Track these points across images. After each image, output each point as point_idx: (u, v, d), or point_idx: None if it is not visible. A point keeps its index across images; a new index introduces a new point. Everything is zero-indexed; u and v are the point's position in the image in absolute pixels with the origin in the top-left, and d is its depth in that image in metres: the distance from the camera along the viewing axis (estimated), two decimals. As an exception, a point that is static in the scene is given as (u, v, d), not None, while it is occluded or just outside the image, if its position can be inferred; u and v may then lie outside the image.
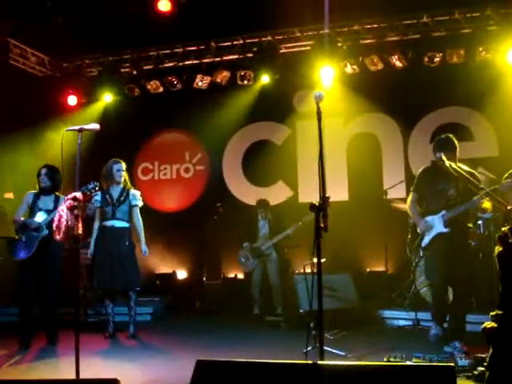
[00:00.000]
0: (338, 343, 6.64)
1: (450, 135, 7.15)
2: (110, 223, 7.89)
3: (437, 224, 6.89)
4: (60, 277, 7.52)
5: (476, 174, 6.96)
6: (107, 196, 7.95)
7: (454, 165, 6.60)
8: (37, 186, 7.56)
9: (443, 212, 6.85)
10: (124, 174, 8.04)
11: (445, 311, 7.01)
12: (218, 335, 8.25)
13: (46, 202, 7.48)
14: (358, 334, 7.71)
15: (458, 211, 6.76)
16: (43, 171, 7.52)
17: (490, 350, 3.73)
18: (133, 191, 8.10)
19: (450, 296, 7.46)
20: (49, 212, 7.34)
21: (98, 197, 7.91)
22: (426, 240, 7.01)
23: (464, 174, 6.58)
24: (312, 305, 6.97)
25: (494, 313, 3.80)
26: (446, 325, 6.99)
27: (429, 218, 6.96)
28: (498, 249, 3.81)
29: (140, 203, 8.08)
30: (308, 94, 10.84)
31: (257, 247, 9.85)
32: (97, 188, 6.87)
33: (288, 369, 3.45)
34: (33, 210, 7.44)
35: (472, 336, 7.28)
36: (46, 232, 7.25)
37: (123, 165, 8.05)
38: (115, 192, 7.99)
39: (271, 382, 3.43)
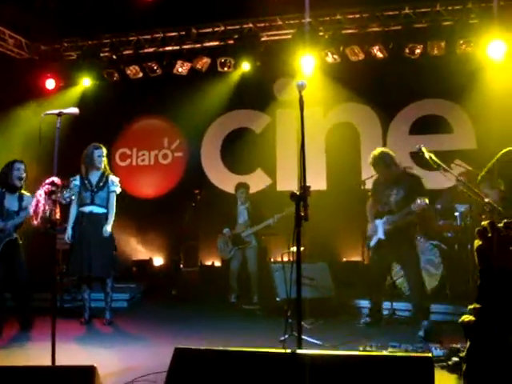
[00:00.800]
0: (315, 332, 6.67)
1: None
2: (88, 209, 7.83)
3: (379, 229, 7.30)
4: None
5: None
6: (86, 181, 7.88)
7: (433, 156, 6.65)
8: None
9: (385, 218, 7.28)
10: (104, 159, 7.98)
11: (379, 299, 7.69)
12: (194, 323, 8.25)
13: (12, 201, 7.36)
14: (335, 324, 7.76)
15: (396, 218, 7.15)
16: (21, 166, 7.36)
17: (468, 343, 3.76)
18: (112, 177, 8.04)
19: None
20: (15, 213, 7.26)
21: (76, 181, 7.85)
22: (372, 242, 7.48)
23: (443, 165, 6.65)
24: (289, 293, 7.05)
25: (471, 306, 3.82)
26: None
27: (376, 222, 7.38)
28: (477, 243, 3.83)
29: (118, 190, 8.03)
30: (288, 82, 10.81)
31: (237, 234, 9.81)
32: (72, 197, 6.90)
33: (266, 357, 3.46)
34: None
35: (446, 326, 7.42)
36: (13, 236, 7.21)
37: (104, 150, 7.99)
38: (94, 177, 7.93)
39: (250, 370, 3.43)
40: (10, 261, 7.24)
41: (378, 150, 7.50)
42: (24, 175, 7.34)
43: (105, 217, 7.88)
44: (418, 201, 6.76)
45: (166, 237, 11.74)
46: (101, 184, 7.91)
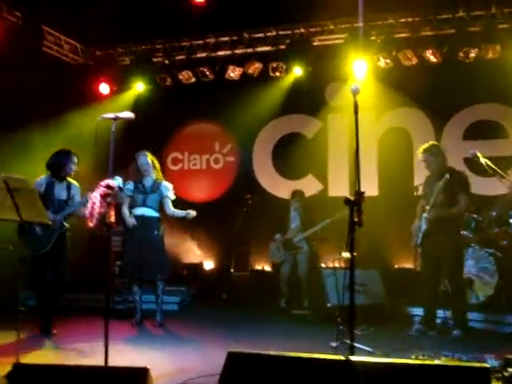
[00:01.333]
0: (366, 339, 6.58)
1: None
2: (139, 211, 7.93)
3: (422, 222, 7.34)
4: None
5: None
6: (139, 185, 7.99)
7: (489, 162, 6.55)
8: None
9: (427, 212, 7.29)
10: (154, 164, 8.05)
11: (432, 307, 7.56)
12: (244, 327, 8.26)
13: (61, 190, 7.45)
14: (386, 331, 7.67)
15: (435, 211, 7.20)
16: (76, 159, 7.51)
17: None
18: (165, 183, 8.12)
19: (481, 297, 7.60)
20: (65, 202, 7.36)
21: (129, 185, 7.96)
22: (419, 240, 7.45)
23: (499, 171, 6.55)
24: (341, 299, 7.00)
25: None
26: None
27: (422, 217, 7.41)
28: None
29: (172, 195, 8.10)
30: (340, 87, 10.76)
31: (289, 239, 9.79)
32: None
33: (320, 363, 3.44)
34: (49, 197, 7.33)
35: (499, 336, 7.29)
36: (64, 228, 7.32)
37: (150, 156, 8.06)
38: (148, 182, 8.05)
39: (303, 376, 3.42)
40: (56, 257, 7.31)
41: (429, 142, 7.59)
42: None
43: (156, 220, 7.96)
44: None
45: (217, 241, 11.78)
46: (154, 188, 8.00)
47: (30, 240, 6.99)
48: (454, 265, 7.27)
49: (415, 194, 8.99)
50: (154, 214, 7.97)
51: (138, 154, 8.07)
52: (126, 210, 7.99)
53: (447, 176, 7.03)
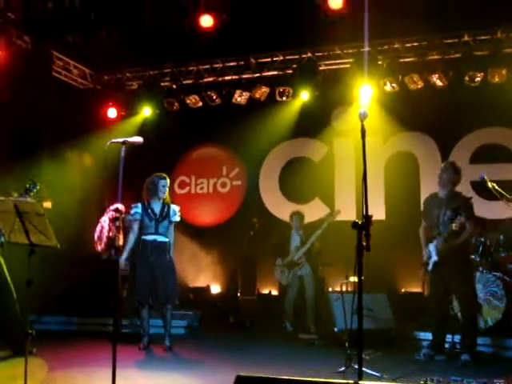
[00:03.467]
0: (373, 364, 6.56)
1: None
2: (151, 237, 7.92)
3: (433, 252, 7.23)
4: None
5: None
6: (149, 210, 7.98)
7: (495, 185, 6.56)
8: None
9: (435, 241, 7.23)
10: (167, 189, 8.09)
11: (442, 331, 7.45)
12: (251, 351, 8.21)
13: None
14: (394, 355, 7.60)
15: (446, 240, 7.10)
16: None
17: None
18: (173, 207, 8.12)
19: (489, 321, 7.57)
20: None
21: (138, 209, 7.94)
22: (429, 267, 7.31)
23: (507, 194, 6.55)
24: (348, 324, 6.98)
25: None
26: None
27: (430, 246, 7.30)
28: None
29: (178, 219, 8.12)
30: (346, 111, 10.83)
31: (290, 260, 9.82)
32: (35, 187, 6.96)
33: (329, 388, 3.42)
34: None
35: (508, 361, 7.25)
36: None
37: (168, 181, 8.10)
38: (156, 206, 8.02)
39: (311, 401, 3.40)
40: None
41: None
42: None
43: (167, 245, 7.98)
44: (458, 219, 6.79)
45: (224, 265, 11.76)
46: (164, 214, 8.01)
47: None
48: (466, 291, 7.23)
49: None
50: (165, 239, 7.98)
51: (158, 176, 8.05)
52: (132, 238, 7.97)
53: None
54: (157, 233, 7.92)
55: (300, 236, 9.92)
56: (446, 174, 7.34)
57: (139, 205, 7.97)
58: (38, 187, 7.22)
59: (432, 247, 7.26)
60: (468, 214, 7.06)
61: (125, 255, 7.78)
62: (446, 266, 7.15)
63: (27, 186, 7.17)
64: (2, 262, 6.96)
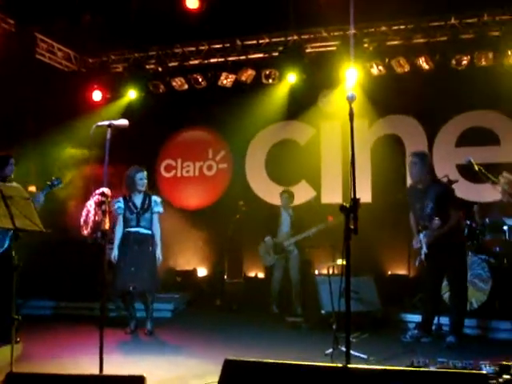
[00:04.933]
0: (360, 346, 6.59)
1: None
2: (134, 229, 7.93)
3: (423, 244, 7.27)
4: None
5: None
6: (130, 203, 7.98)
7: (482, 169, 6.58)
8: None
9: (423, 233, 7.26)
10: (145, 181, 8.04)
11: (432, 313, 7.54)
12: (238, 334, 8.24)
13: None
14: (380, 338, 7.67)
15: (432, 232, 7.16)
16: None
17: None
18: (155, 198, 8.12)
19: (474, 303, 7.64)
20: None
21: (120, 203, 7.96)
22: (422, 256, 7.33)
23: (492, 177, 6.58)
24: (334, 306, 7.01)
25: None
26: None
27: (420, 236, 7.32)
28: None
29: (161, 210, 8.09)
30: (333, 94, 10.81)
31: (279, 243, 9.83)
32: (60, 183, 6.93)
33: (318, 371, 3.43)
34: None
35: (493, 343, 7.31)
36: None
37: (145, 173, 8.05)
38: (138, 199, 8.02)
39: (300, 384, 3.41)
40: None
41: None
42: None
43: (150, 237, 7.96)
44: (436, 221, 6.88)
45: (211, 248, 11.75)
46: (145, 206, 7.99)
47: None
48: (459, 275, 7.28)
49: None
50: (148, 231, 7.97)
51: (134, 170, 8.01)
52: (119, 232, 7.97)
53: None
54: (138, 225, 7.93)
55: (289, 215, 9.95)
56: (415, 170, 7.34)
57: (121, 199, 7.98)
58: (62, 184, 7.17)
59: (422, 238, 7.29)
60: (450, 202, 7.09)
61: (115, 251, 7.86)
62: (438, 254, 7.19)
63: (53, 179, 7.12)
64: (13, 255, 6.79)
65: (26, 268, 7.04)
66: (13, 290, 5.35)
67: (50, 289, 9.92)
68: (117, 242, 7.93)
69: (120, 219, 7.99)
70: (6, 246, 6.75)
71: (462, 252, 7.51)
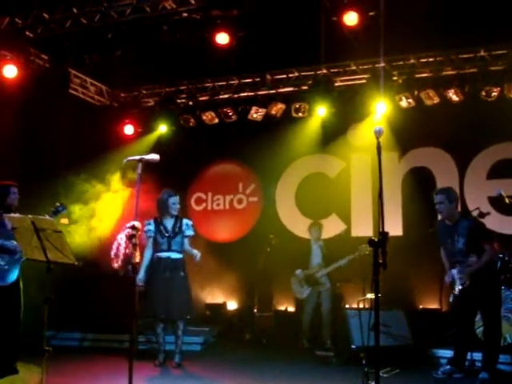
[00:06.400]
0: (391, 381, 6.52)
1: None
2: (165, 254, 7.91)
3: (457, 280, 7.13)
4: None
5: None
6: (161, 227, 7.99)
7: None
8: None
9: (456, 269, 7.14)
10: (179, 206, 8.08)
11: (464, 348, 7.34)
12: (267, 368, 8.15)
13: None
14: (411, 373, 7.55)
15: (466, 268, 7.02)
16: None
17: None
18: (186, 221, 8.13)
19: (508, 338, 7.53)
20: None
21: (151, 226, 7.95)
22: (456, 293, 7.17)
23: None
24: (365, 341, 6.93)
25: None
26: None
27: (453, 271, 7.20)
28: None
29: (192, 233, 8.11)
30: (363, 127, 10.81)
31: (311, 274, 9.78)
32: (64, 209, 6.88)
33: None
34: None
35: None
36: None
37: (178, 197, 8.09)
38: (169, 223, 8.02)
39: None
40: None
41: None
42: None
43: (181, 261, 7.96)
44: (472, 258, 6.92)
45: (241, 281, 11.72)
46: (176, 230, 8.00)
47: None
48: (492, 308, 7.11)
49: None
50: (179, 256, 7.96)
51: (167, 194, 8.04)
52: (148, 254, 7.99)
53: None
54: (170, 249, 7.92)
55: (320, 247, 9.91)
56: (440, 208, 7.30)
57: (152, 221, 7.99)
58: (66, 210, 7.22)
59: (455, 274, 7.16)
60: (483, 236, 7.01)
61: (141, 273, 7.78)
62: (471, 288, 7.03)
63: (57, 205, 7.11)
64: (21, 287, 6.81)
65: (58, 300, 7.17)
66: (44, 321, 5.40)
67: (80, 321, 9.98)
68: (145, 263, 7.86)
69: (150, 242, 7.96)
70: (14, 278, 6.60)
71: (496, 286, 7.38)
